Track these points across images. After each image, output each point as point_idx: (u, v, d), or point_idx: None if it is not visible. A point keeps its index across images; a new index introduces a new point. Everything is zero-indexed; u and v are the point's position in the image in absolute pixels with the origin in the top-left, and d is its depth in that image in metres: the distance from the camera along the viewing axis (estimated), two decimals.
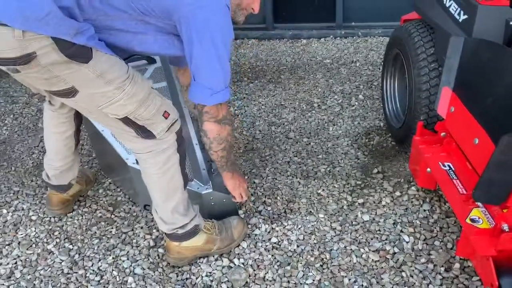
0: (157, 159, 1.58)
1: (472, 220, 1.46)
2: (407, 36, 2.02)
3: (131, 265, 1.81)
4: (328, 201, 2.02)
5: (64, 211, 2.06)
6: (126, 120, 1.47)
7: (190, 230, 1.71)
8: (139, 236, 1.94)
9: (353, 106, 2.74)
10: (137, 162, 1.71)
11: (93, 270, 1.80)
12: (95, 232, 1.98)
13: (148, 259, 1.83)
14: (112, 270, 1.80)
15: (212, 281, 1.72)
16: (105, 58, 1.37)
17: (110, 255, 1.86)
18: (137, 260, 1.83)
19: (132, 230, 1.97)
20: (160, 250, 1.85)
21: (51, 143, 1.93)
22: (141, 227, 1.98)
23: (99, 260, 1.85)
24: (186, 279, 1.74)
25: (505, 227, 1.36)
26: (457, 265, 1.67)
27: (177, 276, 1.75)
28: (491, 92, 1.46)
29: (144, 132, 1.52)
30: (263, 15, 3.68)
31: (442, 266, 1.68)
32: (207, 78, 1.46)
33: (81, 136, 2.03)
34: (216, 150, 1.65)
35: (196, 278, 1.74)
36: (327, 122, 2.61)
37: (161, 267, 1.79)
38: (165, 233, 1.75)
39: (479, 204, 1.50)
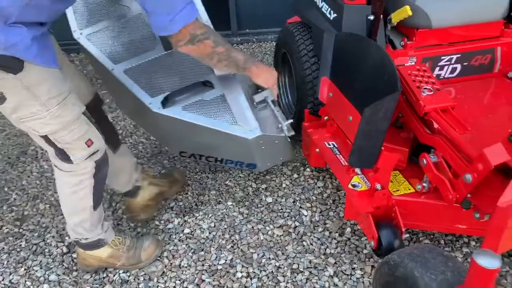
0: (70, 180, 1.56)
1: (353, 185, 1.71)
2: (290, 36, 2.26)
3: (45, 273, 1.81)
4: (236, 190, 2.18)
5: (146, 216, 1.96)
6: (46, 139, 1.43)
7: (93, 242, 1.70)
8: (51, 245, 1.94)
9: None
10: (163, 107, 1.59)
11: (4, 284, 1.78)
12: (3, 248, 1.94)
13: (62, 265, 1.85)
14: (25, 281, 1.79)
15: (129, 276, 1.79)
16: (37, 71, 1.31)
17: (21, 267, 1.84)
18: (51, 268, 1.84)
19: (43, 240, 1.97)
20: (74, 255, 1.87)
21: None
22: (53, 236, 1.98)
23: (10, 273, 1.82)
24: (104, 278, 1.79)
25: (378, 186, 1.62)
26: (348, 230, 1.92)
27: (94, 276, 1.79)
28: (358, 76, 1.72)
29: (62, 155, 1.48)
30: None
31: (337, 232, 1.92)
32: (159, 4, 1.31)
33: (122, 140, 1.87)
34: (214, 65, 1.55)
35: (114, 276, 1.80)
36: None
37: (76, 270, 1.82)
38: (71, 239, 1.75)
39: (358, 172, 1.76)
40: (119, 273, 1.80)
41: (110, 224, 1.77)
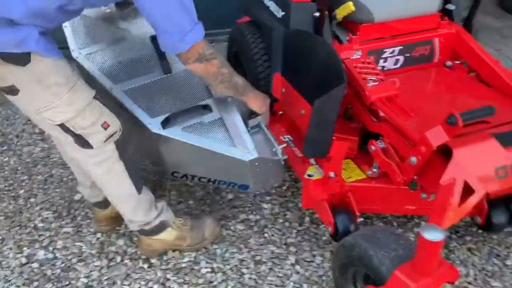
0: (99, 170, 1.58)
1: (309, 175, 1.78)
2: (241, 36, 2.31)
3: (3, 286, 1.77)
4: (196, 189, 2.20)
5: (111, 227, 1.96)
6: (63, 127, 1.46)
7: (156, 226, 1.74)
8: (8, 257, 1.90)
9: None
10: (163, 128, 1.65)
11: None
12: None
13: (22, 276, 1.81)
14: None
15: (92, 281, 1.78)
16: (45, 62, 1.35)
17: None
18: (10, 280, 1.80)
19: (1, 253, 1.92)
20: (34, 264, 1.85)
21: (69, 163, 1.86)
22: (10, 248, 1.94)
23: None
24: (66, 285, 1.77)
25: (332, 174, 1.70)
26: (307, 219, 2.00)
27: (56, 284, 1.77)
28: (307, 71, 1.79)
29: (81, 140, 1.50)
30: None
31: (296, 222, 1.99)
32: (169, 23, 1.35)
33: None
34: (215, 85, 1.60)
35: (77, 282, 1.78)
36: None
37: (37, 280, 1.79)
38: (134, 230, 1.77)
39: (313, 162, 1.83)
40: (82, 280, 1.78)
41: (165, 204, 1.78)
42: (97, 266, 1.84)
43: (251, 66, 2.22)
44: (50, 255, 1.89)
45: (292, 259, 1.81)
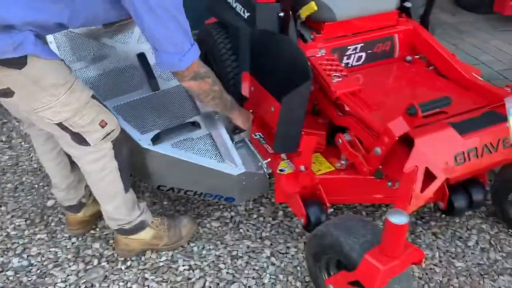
0: (94, 167, 1.61)
1: (281, 170, 1.84)
2: (209, 36, 2.35)
3: None
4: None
5: (83, 231, 1.97)
6: (61, 126, 1.49)
7: (135, 225, 1.77)
8: None
9: None
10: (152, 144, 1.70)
11: None
12: None
13: None
14: None
15: (70, 285, 1.78)
16: (41, 64, 1.37)
17: None
18: None
19: None
20: (9, 272, 1.83)
21: (46, 164, 1.86)
22: None
23: None
24: None
25: (302, 168, 1.76)
26: (280, 213, 2.06)
27: None
28: (275, 69, 1.85)
29: (79, 139, 1.53)
30: None
31: (270, 216, 2.04)
32: (169, 44, 1.41)
33: None
34: (207, 102, 1.67)
35: (53, 287, 1.78)
36: None
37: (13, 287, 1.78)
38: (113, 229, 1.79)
39: (284, 157, 1.89)
40: (59, 285, 1.78)
41: (145, 205, 1.82)
42: (73, 270, 1.84)
43: (220, 66, 2.26)
44: (25, 262, 1.88)
45: (267, 252, 1.87)
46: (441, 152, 1.54)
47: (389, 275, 1.31)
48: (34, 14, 1.30)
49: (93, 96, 1.54)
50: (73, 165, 1.84)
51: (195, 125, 1.86)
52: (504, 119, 1.62)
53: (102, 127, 1.54)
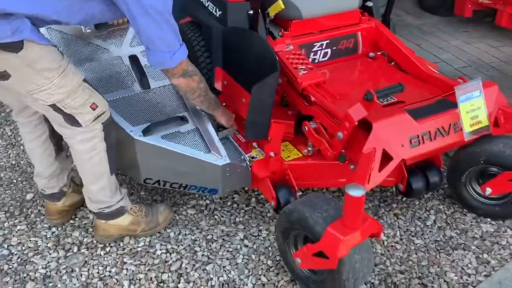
0: (84, 146, 1.71)
1: (253, 157, 1.96)
2: (183, 35, 2.44)
3: None
4: None
5: (62, 221, 2.04)
6: (55, 107, 1.59)
7: (115, 210, 1.86)
8: None
9: None
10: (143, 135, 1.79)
11: None
12: None
13: None
14: None
15: (50, 271, 1.85)
16: (37, 49, 1.47)
17: None
18: None
19: None
20: None
21: (32, 152, 1.92)
22: None
23: None
24: (24, 277, 1.83)
25: (272, 154, 1.88)
26: (253, 200, 2.17)
27: (14, 277, 1.82)
28: (245, 63, 1.97)
29: (71, 120, 1.63)
30: None
31: (243, 203, 2.15)
32: (163, 44, 1.55)
33: (65, 146, 1.93)
34: (193, 99, 1.80)
35: (35, 274, 1.84)
36: None
37: None
38: (93, 212, 1.87)
39: (255, 146, 2.01)
40: (40, 271, 1.85)
41: (126, 192, 1.91)
42: (54, 257, 1.90)
43: (195, 62, 2.35)
44: (5, 252, 1.93)
45: (240, 235, 1.98)
46: (397, 135, 1.68)
47: (349, 244, 1.44)
48: (37, 9, 1.43)
49: (84, 80, 1.65)
50: (58, 153, 1.93)
51: (183, 119, 1.97)
52: (455, 106, 1.78)
53: (93, 109, 1.65)
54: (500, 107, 1.88)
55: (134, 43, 2.22)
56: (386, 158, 1.66)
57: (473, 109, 1.81)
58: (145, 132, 1.85)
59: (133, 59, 2.15)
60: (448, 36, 3.78)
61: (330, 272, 1.52)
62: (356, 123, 1.65)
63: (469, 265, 1.82)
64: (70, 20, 1.56)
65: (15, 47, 1.44)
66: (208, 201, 2.17)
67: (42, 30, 1.98)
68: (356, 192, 1.39)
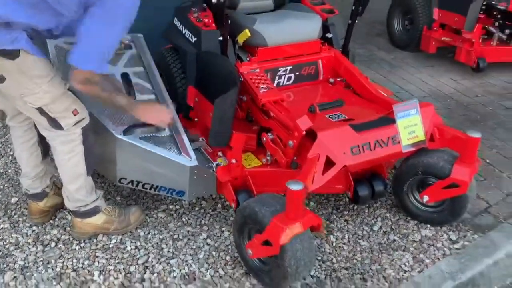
0: (63, 148, 1.92)
1: (217, 164, 2.18)
2: (163, 59, 2.73)
3: None
4: (123, 188, 2.51)
5: (43, 220, 2.23)
6: (41, 110, 1.82)
7: (91, 209, 2.07)
8: None
9: None
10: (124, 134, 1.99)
11: None
12: None
13: None
14: None
15: (29, 263, 2.03)
16: (31, 59, 1.73)
17: None
18: None
19: None
20: None
21: (20, 154, 2.13)
22: None
23: None
24: (4, 267, 2.00)
25: (233, 161, 2.11)
26: (219, 206, 2.38)
27: None
28: (213, 82, 2.24)
29: (54, 123, 1.85)
30: None
31: (210, 208, 2.36)
32: (97, 50, 1.71)
33: (51, 152, 2.09)
34: (103, 105, 1.98)
35: (14, 264, 2.02)
36: None
37: None
38: (70, 210, 2.07)
39: (221, 155, 2.24)
40: (19, 263, 2.02)
41: (101, 194, 2.13)
42: (32, 251, 2.09)
43: (172, 82, 2.64)
44: None
45: (204, 235, 2.18)
46: (340, 144, 1.93)
47: (291, 233, 1.65)
48: (33, 19, 1.68)
49: (69, 89, 1.87)
50: (44, 157, 2.16)
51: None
52: (394, 121, 2.04)
53: (75, 115, 1.88)
54: (435, 125, 2.14)
55: (127, 64, 2.51)
56: (329, 163, 1.90)
57: (410, 125, 2.07)
58: (126, 131, 2.09)
59: (125, 76, 2.42)
60: (414, 70, 4.10)
61: (275, 259, 1.73)
62: (304, 132, 1.90)
63: (406, 264, 2.03)
64: (59, 31, 1.79)
65: (13, 55, 1.69)
66: (177, 206, 2.37)
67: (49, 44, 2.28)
68: (296, 186, 1.62)
